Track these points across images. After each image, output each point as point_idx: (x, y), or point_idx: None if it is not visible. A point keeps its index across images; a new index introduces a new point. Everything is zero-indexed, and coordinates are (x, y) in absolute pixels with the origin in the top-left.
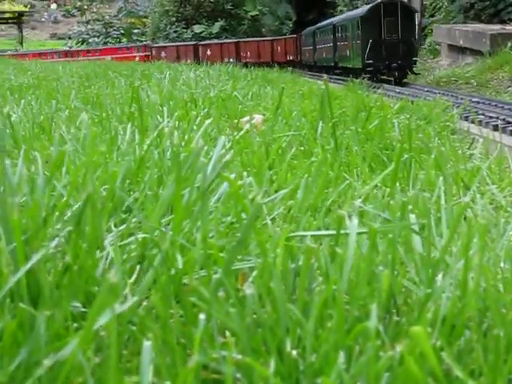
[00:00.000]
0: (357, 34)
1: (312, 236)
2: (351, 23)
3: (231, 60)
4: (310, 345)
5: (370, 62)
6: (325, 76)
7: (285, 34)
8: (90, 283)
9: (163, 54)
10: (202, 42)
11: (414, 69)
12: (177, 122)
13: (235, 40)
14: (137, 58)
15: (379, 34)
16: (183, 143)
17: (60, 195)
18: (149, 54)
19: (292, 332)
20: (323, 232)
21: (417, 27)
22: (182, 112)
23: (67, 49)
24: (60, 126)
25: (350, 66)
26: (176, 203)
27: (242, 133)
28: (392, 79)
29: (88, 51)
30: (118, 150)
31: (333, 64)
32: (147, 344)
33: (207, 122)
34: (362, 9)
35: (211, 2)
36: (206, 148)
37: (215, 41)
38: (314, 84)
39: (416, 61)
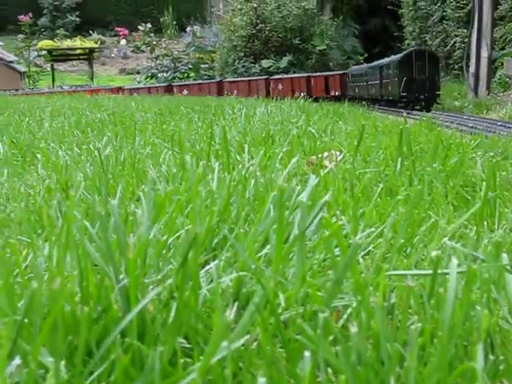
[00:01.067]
0: (395, 74)
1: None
2: (391, 65)
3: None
4: (412, 383)
5: (404, 94)
6: (404, 113)
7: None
8: (193, 319)
9: (135, 95)
10: (177, 83)
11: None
12: (258, 159)
13: (217, 80)
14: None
15: (411, 74)
16: (267, 181)
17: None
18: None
19: (393, 370)
20: (421, 271)
21: (440, 68)
22: (261, 149)
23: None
24: (148, 165)
25: (391, 98)
26: (278, 243)
27: (326, 171)
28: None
29: (74, 91)
30: (206, 188)
31: (380, 97)
32: (262, 381)
33: (293, 160)
34: (399, 55)
35: (279, 37)
36: (298, 188)
37: (193, 81)
38: (386, 119)
39: (439, 94)
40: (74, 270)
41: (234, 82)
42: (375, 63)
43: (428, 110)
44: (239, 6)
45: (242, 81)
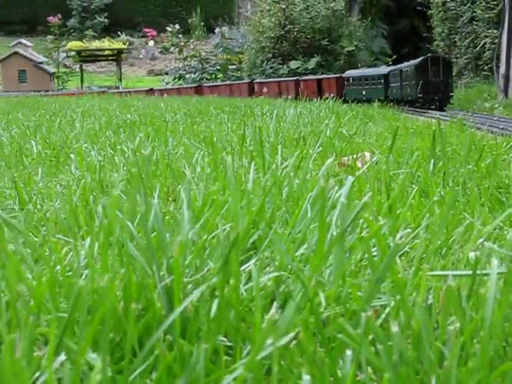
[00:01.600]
0: (413, 77)
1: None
2: (410, 69)
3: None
4: (454, 382)
5: (421, 95)
6: (436, 114)
7: None
8: (233, 318)
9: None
10: (158, 87)
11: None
12: (292, 160)
13: (196, 85)
14: None
15: (427, 77)
16: (301, 182)
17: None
18: None
19: (434, 369)
20: (462, 272)
21: (453, 72)
22: (293, 150)
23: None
24: (182, 165)
25: (409, 98)
26: (320, 241)
27: (360, 172)
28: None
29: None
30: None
31: (400, 98)
32: (307, 378)
33: (328, 161)
34: (416, 60)
35: (308, 38)
36: (336, 187)
37: (172, 86)
38: (416, 120)
39: (452, 95)
40: (112, 269)
41: (214, 86)
42: (396, 66)
43: (442, 110)
44: (267, 7)
45: (222, 85)
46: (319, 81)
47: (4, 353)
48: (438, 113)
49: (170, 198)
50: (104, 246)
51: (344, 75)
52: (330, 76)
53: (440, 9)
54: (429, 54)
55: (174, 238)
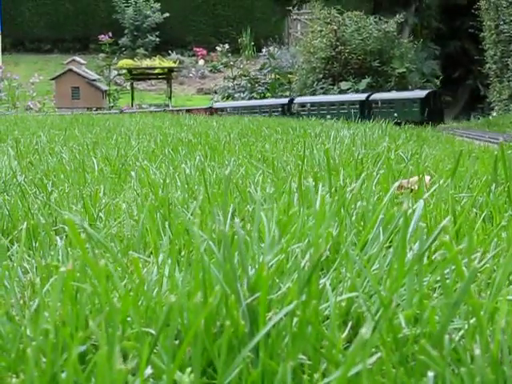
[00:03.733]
0: (421, 105)
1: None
2: (418, 99)
3: None
4: None
5: (426, 118)
6: (500, 138)
7: None
8: (312, 337)
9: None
10: (170, 108)
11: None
12: (359, 182)
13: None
14: None
15: (429, 105)
16: (367, 204)
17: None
18: None
19: None
20: None
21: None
22: (354, 172)
23: None
24: (246, 184)
25: (418, 120)
26: (400, 263)
27: (426, 195)
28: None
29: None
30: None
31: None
32: None
33: (396, 184)
34: (422, 93)
35: (359, 60)
36: (410, 210)
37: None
38: (471, 143)
39: (443, 118)
40: (187, 287)
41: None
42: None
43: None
44: (319, 28)
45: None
46: (188, 110)
47: (100, 363)
48: (501, 137)
49: (235, 218)
50: (196, 262)
51: (215, 106)
52: (199, 107)
53: (493, 31)
54: (430, 89)
55: (248, 256)
